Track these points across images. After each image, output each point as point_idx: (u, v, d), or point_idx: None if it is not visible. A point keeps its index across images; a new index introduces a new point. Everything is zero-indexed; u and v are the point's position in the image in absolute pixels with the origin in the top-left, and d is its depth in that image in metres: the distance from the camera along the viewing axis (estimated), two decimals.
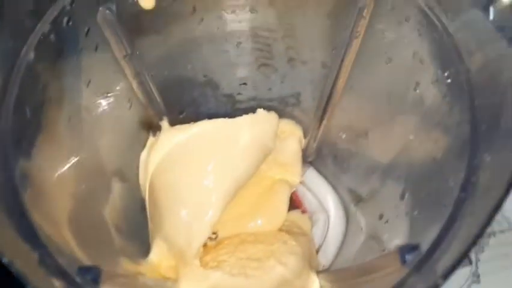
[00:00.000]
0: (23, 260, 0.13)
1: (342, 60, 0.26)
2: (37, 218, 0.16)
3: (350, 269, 0.29)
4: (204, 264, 0.29)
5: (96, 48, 0.23)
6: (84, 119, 0.23)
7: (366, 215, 0.31)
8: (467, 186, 0.17)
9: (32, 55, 0.18)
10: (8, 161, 0.17)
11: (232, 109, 0.33)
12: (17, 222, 0.15)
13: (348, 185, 0.33)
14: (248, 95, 0.32)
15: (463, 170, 0.17)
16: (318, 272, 0.30)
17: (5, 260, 0.12)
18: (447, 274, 0.13)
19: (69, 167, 0.22)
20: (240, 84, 0.32)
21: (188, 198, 0.29)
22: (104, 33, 0.22)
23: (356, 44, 0.24)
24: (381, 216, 0.27)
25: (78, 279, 0.15)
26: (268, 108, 0.32)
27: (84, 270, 0.16)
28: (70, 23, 0.20)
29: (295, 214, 0.33)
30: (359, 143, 0.30)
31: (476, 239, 0.13)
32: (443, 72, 0.20)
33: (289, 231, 0.32)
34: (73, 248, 0.17)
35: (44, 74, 0.20)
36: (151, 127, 0.30)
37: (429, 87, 0.21)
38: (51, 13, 0.19)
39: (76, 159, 0.22)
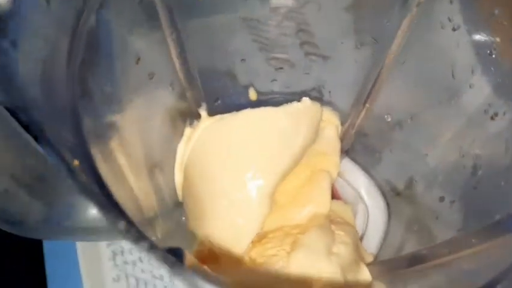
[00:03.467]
0: None
1: (398, 30, 0.24)
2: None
3: (404, 257, 0.28)
4: (251, 260, 0.27)
5: (146, 23, 0.21)
6: (133, 101, 0.21)
7: (414, 203, 0.30)
8: None
9: (92, 19, 0.17)
10: (80, 127, 0.15)
11: (267, 98, 0.32)
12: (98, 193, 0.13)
13: (385, 176, 0.32)
14: (284, 80, 0.31)
15: None
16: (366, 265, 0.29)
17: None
18: None
19: (120, 149, 0.20)
20: (277, 69, 0.30)
21: (233, 193, 0.27)
22: (156, 6, 0.21)
23: (416, 13, 0.23)
24: (442, 199, 0.26)
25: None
26: (303, 96, 0.31)
27: (171, 250, 0.14)
28: None
29: (336, 204, 0.32)
30: (399, 131, 0.29)
31: None
32: None
33: (332, 222, 0.30)
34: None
35: (102, 45, 0.18)
36: (188, 116, 0.28)
37: None
38: None
39: (125, 141, 0.21)
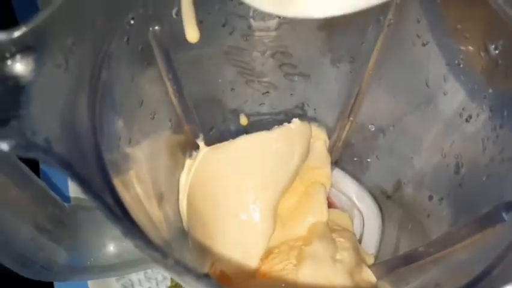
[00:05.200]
0: None
1: (373, 49, 0.27)
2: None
3: (403, 256, 0.30)
4: (262, 277, 0.29)
5: (146, 68, 0.23)
6: (139, 142, 0.23)
7: (405, 204, 0.32)
8: None
9: (104, 74, 0.18)
10: (105, 169, 0.16)
11: (257, 119, 0.33)
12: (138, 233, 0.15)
13: (374, 182, 0.34)
14: (271, 102, 0.33)
15: None
16: (369, 267, 0.31)
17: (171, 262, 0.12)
18: None
19: (135, 183, 0.21)
20: (263, 93, 0.32)
21: (237, 215, 0.29)
22: (153, 51, 0.22)
23: (387, 33, 0.25)
24: (431, 198, 0.28)
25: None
26: (290, 114, 0.33)
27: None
28: (129, 41, 0.20)
29: (334, 213, 0.34)
30: (382, 138, 0.31)
31: None
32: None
33: (331, 230, 0.32)
34: None
35: (112, 95, 0.19)
36: (188, 148, 0.30)
37: None
38: (115, 31, 0.19)
39: (137, 176, 0.22)
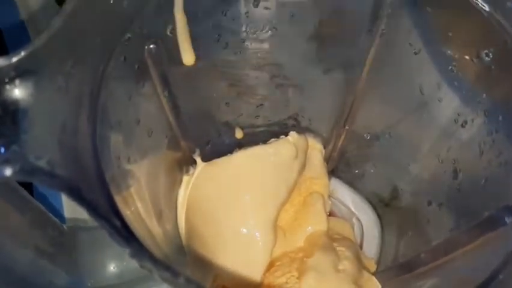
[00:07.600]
0: None
1: (366, 59, 0.27)
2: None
3: (405, 263, 0.30)
4: None
5: (143, 86, 0.23)
6: (138, 160, 0.23)
7: (404, 211, 0.32)
8: None
9: (103, 94, 0.18)
10: (108, 188, 0.16)
11: (251, 131, 0.33)
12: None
13: (371, 189, 0.34)
14: (266, 114, 0.33)
15: None
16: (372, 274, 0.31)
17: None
18: None
19: (136, 200, 0.21)
20: (258, 106, 0.32)
21: (238, 230, 0.28)
22: (149, 69, 0.22)
23: (380, 43, 0.26)
24: (430, 203, 0.28)
25: None
26: (284, 126, 0.34)
27: None
28: (126, 60, 0.20)
29: (335, 221, 0.33)
30: (377, 146, 0.32)
31: None
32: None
33: (331, 239, 0.32)
34: None
35: (111, 115, 0.19)
36: (184, 164, 0.30)
37: None
38: (112, 51, 0.19)
39: (137, 193, 0.22)
